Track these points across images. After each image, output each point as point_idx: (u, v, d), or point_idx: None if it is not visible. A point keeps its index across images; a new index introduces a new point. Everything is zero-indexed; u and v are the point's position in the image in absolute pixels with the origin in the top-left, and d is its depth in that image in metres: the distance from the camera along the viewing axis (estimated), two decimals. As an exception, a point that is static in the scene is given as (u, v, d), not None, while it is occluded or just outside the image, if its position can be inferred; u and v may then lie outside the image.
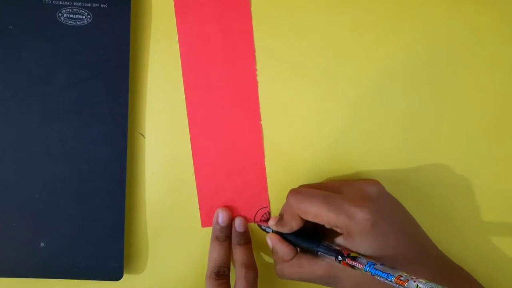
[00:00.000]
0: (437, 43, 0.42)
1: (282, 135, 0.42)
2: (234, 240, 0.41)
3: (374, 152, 0.42)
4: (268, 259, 0.43)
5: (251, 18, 0.42)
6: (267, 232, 0.40)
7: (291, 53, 0.42)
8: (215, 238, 0.40)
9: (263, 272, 0.40)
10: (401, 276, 0.30)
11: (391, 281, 0.30)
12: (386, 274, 0.30)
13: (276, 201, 0.42)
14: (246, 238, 0.41)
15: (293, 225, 0.37)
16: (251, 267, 0.39)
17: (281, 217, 0.39)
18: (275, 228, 0.39)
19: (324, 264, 0.36)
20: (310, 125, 0.42)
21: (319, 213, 0.35)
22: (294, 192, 0.37)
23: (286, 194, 0.40)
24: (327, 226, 0.35)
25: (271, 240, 0.39)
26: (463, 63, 0.42)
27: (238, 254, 0.39)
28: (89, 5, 0.39)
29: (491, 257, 0.43)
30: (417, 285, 0.29)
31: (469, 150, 0.43)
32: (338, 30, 0.42)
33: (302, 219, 0.37)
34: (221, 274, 0.39)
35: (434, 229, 0.42)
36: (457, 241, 0.43)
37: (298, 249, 0.38)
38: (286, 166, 0.42)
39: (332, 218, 0.34)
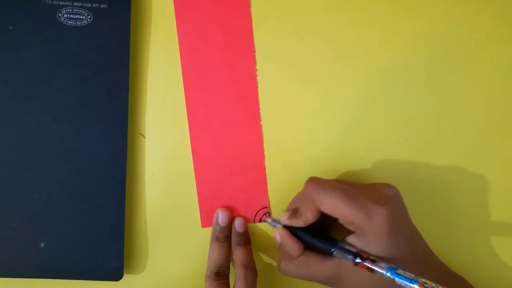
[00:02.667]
0: (437, 43, 0.42)
1: (282, 135, 0.42)
2: (234, 241, 0.40)
3: (374, 152, 0.42)
4: (268, 259, 0.43)
5: (251, 18, 0.42)
6: (275, 227, 0.39)
7: (291, 53, 0.42)
8: (215, 238, 0.40)
9: (263, 272, 0.40)
10: (426, 283, 0.29)
11: (414, 286, 0.29)
12: (409, 280, 0.29)
13: (276, 201, 0.42)
14: (246, 239, 0.41)
15: (308, 216, 0.36)
16: (251, 267, 0.39)
17: (294, 210, 0.37)
18: (288, 222, 0.37)
19: (332, 264, 0.35)
20: (310, 125, 0.42)
21: (337, 205, 0.34)
22: (313, 180, 0.36)
23: (287, 194, 0.40)
24: (340, 221, 0.35)
25: (280, 234, 0.37)
26: (463, 63, 0.42)
27: (238, 254, 0.39)
28: (89, 5, 0.39)
29: (489, 258, 0.43)
30: None
31: (469, 150, 0.43)
32: (338, 30, 0.42)
33: (318, 210, 0.35)
34: (220, 274, 0.38)
35: (434, 228, 0.42)
36: (456, 240, 0.43)
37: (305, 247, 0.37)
38: (286, 166, 0.42)
39: (350, 213, 0.34)
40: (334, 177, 0.42)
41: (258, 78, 0.42)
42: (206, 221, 0.42)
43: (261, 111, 0.42)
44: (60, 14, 0.39)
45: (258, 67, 0.42)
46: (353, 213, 0.33)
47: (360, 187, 0.36)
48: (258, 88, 0.42)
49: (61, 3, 0.39)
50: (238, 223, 0.41)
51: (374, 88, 0.42)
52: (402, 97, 0.42)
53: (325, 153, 0.42)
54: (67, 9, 0.39)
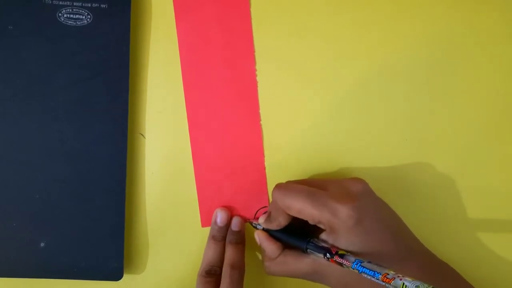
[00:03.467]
0: (437, 43, 0.42)
1: (282, 135, 0.42)
2: (228, 239, 0.41)
3: (374, 153, 0.42)
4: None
5: (251, 18, 0.42)
6: (255, 229, 0.40)
7: (291, 53, 0.42)
8: (212, 237, 0.40)
9: (259, 272, 0.40)
10: (388, 274, 0.29)
11: (377, 279, 0.30)
12: (372, 272, 0.30)
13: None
14: (239, 238, 0.41)
15: (280, 220, 0.37)
16: (237, 267, 0.39)
17: (269, 213, 0.39)
18: (264, 225, 0.39)
19: (309, 261, 0.36)
20: (310, 125, 0.42)
21: (302, 208, 0.35)
22: (279, 187, 0.37)
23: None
24: (310, 222, 0.36)
25: (259, 237, 0.39)
26: (463, 63, 0.42)
27: (228, 253, 0.40)
28: (89, 5, 0.39)
29: (489, 258, 0.43)
30: (403, 284, 0.28)
31: (470, 150, 0.43)
32: (338, 30, 0.42)
33: (289, 214, 0.37)
34: (212, 273, 0.39)
35: (431, 228, 0.42)
36: (455, 240, 0.43)
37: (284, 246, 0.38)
38: (286, 166, 0.42)
39: (316, 214, 0.34)
40: (334, 177, 0.42)
41: (258, 78, 0.42)
42: (206, 220, 0.42)
43: (261, 111, 0.42)
44: (60, 14, 0.39)
45: (258, 67, 0.42)
46: (319, 213, 0.34)
47: (327, 185, 0.37)
48: (258, 88, 0.42)
49: (61, 3, 0.39)
50: (234, 222, 0.41)
51: (374, 88, 0.42)
52: (402, 97, 0.42)
53: (325, 153, 0.42)
54: (67, 9, 0.39)
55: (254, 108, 0.42)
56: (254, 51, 0.42)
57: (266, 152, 0.42)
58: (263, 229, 0.39)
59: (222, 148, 0.42)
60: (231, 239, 0.41)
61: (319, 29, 0.42)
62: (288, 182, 0.39)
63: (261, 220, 0.39)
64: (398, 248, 0.35)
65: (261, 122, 0.42)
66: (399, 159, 0.42)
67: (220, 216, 0.41)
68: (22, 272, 0.40)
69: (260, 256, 0.43)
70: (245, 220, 0.42)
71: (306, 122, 0.42)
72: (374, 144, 0.42)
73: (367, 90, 0.42)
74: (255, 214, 0.42)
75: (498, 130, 0.43)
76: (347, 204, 0.34)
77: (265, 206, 0.42)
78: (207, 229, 0.42)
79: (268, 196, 0.42)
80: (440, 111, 0.42)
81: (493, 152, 0.43)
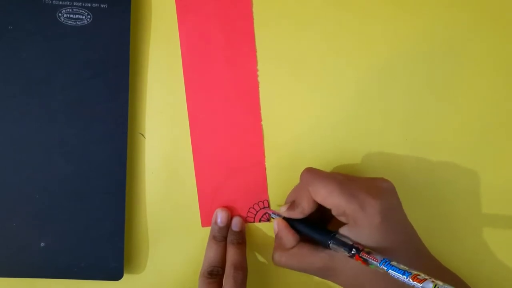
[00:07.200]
0: (438, 42, 0.42)
1: (283, 136, 0.42)
2: (229, 239, 0.41)
3: (374, 152, 0.42)
4: (263, 259, 0.43)
5: (253, 18, 0.41)
6: (275, 218, 0.39)
7: (292, 53, 0.42)
8: (213, 237, 0.40)
9: (258, 272, 0.40)
10: (419, 275, 0.29)
11: (406, 278, 0.29)
12: (402, 271, 0.30)
13: (276, 201, 0.42)
14: (240, 238, 0.41)
15: (305, 206, 0.36)
16: (240, 267, 0.39)
17: (292, 202, 0.38)
18: (286, 214, 0.38)
19: (325, 256, 0.35)
20: (311, 125, 0.42)
21: (330, 194, 0.34)
22: (309, 170, 0.37)
23: (287, 194, 0.40)
24: (333, 212, 0.35)
25: (278, 225, 0.38)
26: (463, 63, 0.42)
27: (230, 253, 0.40)
28: (89, 5, 0.39)
29: (488, 258, 0.43)
30: (436, 285, 0.28)
31: (469, 150, 0.42)
32: (340, 30, 0.42)
33: (313, 201, 0.36)
34: (214, 273, 0.39)
35: (432, 229, 0.42)
36: (453, 241, 0.42)
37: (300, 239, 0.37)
38: (287, 167, 0.42)
39: (342, 203, 0.34)
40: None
41: (259, 78, 0.42)
42: (206, 220, 0.42)
43: (262, 111, 0.42)
44: (60, 14, 0.39)
45: (259, 67, 0.42)
46: (346, 203, 0.34)
47: (355, 179, 0.36)
48: (259, 88, 0.42)
49: (61, 3, 0.39)
50: (234, 222, 0.41)
51: (374, 88, 0.42)
52: (402, 97, 0.42)
53: (326, 153, 0.42)
54: (67, 9, 0.39)
55: (255, 108, 0.42)
56: (255, 51, 0.42)
57: (266, 152, 0.42)
58: (283, 218, 0.38)
59: (223, 148, 0.42)
60: (232, 239, 0.41)
61: (321, 30, 0.42)
62: (316, 168, 0.38)
63: (283, 208, 0.38)
64: (409, 250, 0.35)
65: (262, 122, 0.42)
66: (399, 159, 0.42)
67: (220, 216, 0.41)
68: (22, 272, 0.40)
69: (260, 257, 0.43)
70: (247, 220, 0.42)
71: (307, 123, 0.42)
72: (374, 144, 0.42)
73: (368, 90, 0.42)
74: (255, 214, 0.42)
75: (499, 129, 0.42)
76: (376, 199, 0.33)
77: (265, 207, 0.42)
78: (207, 229, 0.42)
79: (268, 196, 0.42)
80: (441, 111, 0.42)
81: (494, 152, 0.42)
